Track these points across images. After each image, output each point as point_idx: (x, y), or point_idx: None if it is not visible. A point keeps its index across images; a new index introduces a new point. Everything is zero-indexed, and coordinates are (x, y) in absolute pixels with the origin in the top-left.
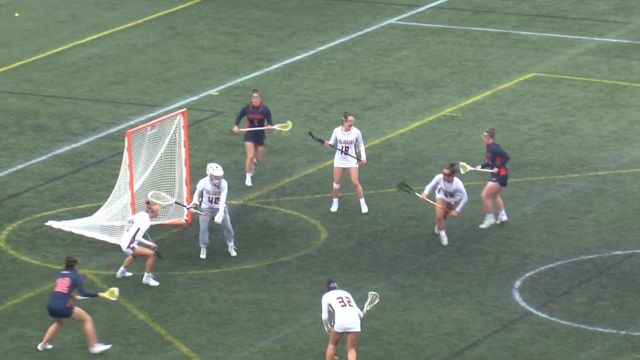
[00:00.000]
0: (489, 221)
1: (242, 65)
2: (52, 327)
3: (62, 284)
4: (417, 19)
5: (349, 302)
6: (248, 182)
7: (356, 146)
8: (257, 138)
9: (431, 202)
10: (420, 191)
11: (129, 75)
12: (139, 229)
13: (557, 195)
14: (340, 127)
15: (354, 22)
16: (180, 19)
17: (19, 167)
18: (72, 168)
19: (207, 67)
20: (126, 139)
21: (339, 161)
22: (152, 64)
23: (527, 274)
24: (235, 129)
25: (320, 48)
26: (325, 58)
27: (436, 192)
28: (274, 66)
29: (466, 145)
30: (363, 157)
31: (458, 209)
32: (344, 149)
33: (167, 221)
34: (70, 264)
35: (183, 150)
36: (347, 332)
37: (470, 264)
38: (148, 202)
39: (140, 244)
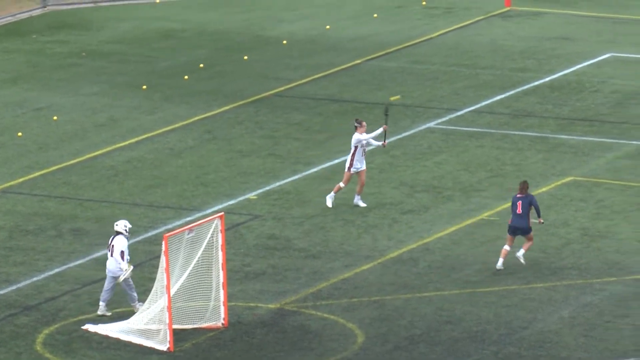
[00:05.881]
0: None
1: (281, 169)
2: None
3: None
4: (455, 123)
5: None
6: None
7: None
8: None
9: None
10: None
11: (167, 179)
12: None
13: (594, 299)
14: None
15: (392, 126)
16: (218, 122)
17: (57, 270)
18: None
19: (245, 171)
20: (163, 242)
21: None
22: (189, 167)
23: None
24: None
25: None
26: None
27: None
28: (313, 170)
29: None
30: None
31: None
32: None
33: (203, 325)
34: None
35: (220, 254)
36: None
37: None
38: None
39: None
